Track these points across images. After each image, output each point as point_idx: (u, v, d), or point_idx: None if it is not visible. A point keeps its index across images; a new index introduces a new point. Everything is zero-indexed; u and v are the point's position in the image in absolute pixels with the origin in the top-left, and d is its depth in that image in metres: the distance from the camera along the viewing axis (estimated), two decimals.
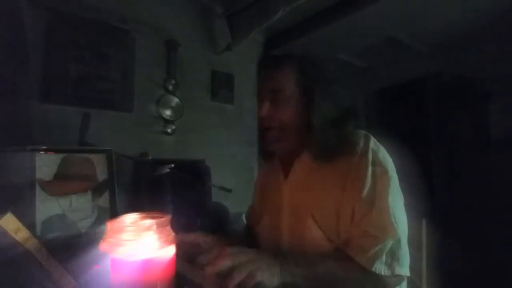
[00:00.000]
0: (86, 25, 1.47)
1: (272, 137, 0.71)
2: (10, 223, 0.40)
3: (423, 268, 0.84)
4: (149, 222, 0.44)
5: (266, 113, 0.69)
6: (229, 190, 1.84)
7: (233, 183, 1.93)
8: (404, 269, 0.60)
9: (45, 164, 0.84)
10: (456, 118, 2.10)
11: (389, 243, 0.59)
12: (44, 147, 0.86)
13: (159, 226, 0.44)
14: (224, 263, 0.49)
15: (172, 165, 1.35)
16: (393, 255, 0.60)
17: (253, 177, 2.25)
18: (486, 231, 1.80)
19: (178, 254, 0.49)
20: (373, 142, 0.67)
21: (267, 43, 2.39)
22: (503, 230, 1.72)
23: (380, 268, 0.58)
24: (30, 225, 0.48)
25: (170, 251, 0.45)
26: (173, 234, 0.46)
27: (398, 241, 0.60)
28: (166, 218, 0.46)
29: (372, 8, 1.71)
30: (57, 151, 0.88)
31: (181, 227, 0.56)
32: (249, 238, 0.90)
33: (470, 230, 1.83)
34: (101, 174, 0.94)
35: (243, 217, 1.91)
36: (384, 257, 0.59)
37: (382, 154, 0.66)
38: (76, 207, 0.86)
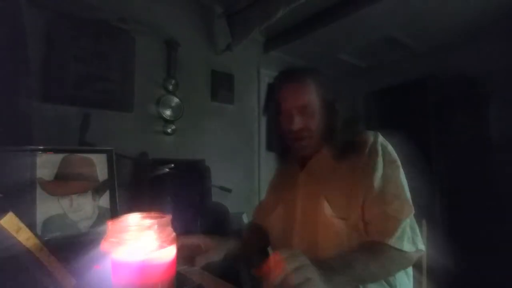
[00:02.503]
0: (86, 25, 1.47)
1: (303, 144, 0.80)
2: (12, 223, 0.40)
3: (423, 268, 0.84)
4: (150, 222, 0.44)
5: (299, 126, 0.78)
6: (229, 190, 1.84)
7: (233, 183, 1.93)
8: (421, 244, 0.68)
9: (46, 164, 0.84)
10: (456, 119, 2.10)
11: (408, 220, 0.67)
12: (44, 147, 0.85)
13: (160, 226, 0.44)
14: (282, 273, 0.48)
15: (172, 165, 1.36)
16: (413, 231, 0.68)
17: (253, 177, 2.29)
18: (486, 231, 1.80)
19: (178, 256, 0.49)
20: (382, 138, 0.77)
21: (267, 43, 2.39)
22: (503, 230, 1.73)
23: (409, 246, 0.65)
24: (30, 225, 0.48)
25: (171, 251, 0.45)
26: (173, 234, 0.46)
27: (413, 217, 0.69)
28: (167, 218, 0.46)
29: (372, 8, 1.72)
30: (57, 151, 0.88)
31: (181, 227, 0.56)
32: (253, 236, 0.93)
33: (470, 230, 1.83)
34: (102, 174, 0.94)
35: (243, 217, 1.92)
36: (408, 234, 0.66)
37: (390, 148, 0.76)
38: (76, 207, 0.86)
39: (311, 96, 0.79)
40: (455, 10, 1.88)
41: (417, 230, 0.69)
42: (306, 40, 2.14)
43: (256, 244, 0.91)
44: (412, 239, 0.67)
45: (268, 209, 0.94)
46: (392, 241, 0.64)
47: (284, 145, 0.86)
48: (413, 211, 0.69)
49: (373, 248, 0.66)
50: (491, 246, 1.75)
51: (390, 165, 0.73)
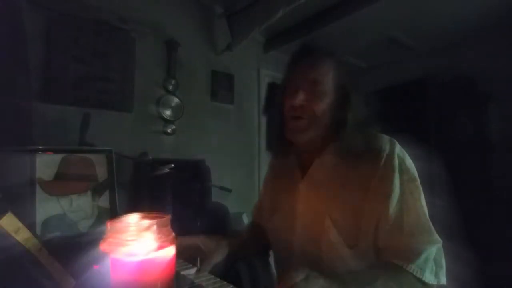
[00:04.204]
0: (86, 25, 1.47)
1: (300, 125, 0.68)
2: (11, 223, 0.40)
3: None
4: (149, 222, 0.44)
5: (301, 102, 0.67)
6: (229, 190, 1.84)
7: (233, 183, 1.93)
8: (444, 277, 0.60)
9: (45, 164, 0.84)
10: (456, 119, 2.10)
11: (434, 250, 0.59)
12: (44, 147, 0.86)
13: (159, 226, 0.44)
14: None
15: (172, 165, 1.36)
16: (438, 263, 0.59)
17: (253, 177, 2.28)
18: (486, 232, 1.80)
19: (179, 258, 0.48)
20: (398, 148, 0.66)
21: (267, 43, 2.39)
22: (504, 231, 1.72)
23: (430, 277, 0.57)
24: (30, 225, 0.49)
25: (170, 251, 0.45)
26: (173, 234, 0.46)
27: (441, 249, 0.61)
28: (166, 218, 0.46)
29: (372, 8, 1.71)
30: (57, 151, 0.88)
31: (181, 227, 0.56)
32: (254, 236, 0.89)
33: (469, 231, 1.83)
34: (101, 174, 0.94)
35: (243, 217, 1.92)
36: (431, 265, 0.58)
37: (408, 161, 0.65)
38: (76, 207, 0.86)
39: (326, 75, 0.67)
40: (455, 10, 1.88)
41: (443, 263, 0.60)
42: (306, 40, 2.14)
43: (256, 244, 0.89)
44: (435, 271, 0.59)
45: (265, 213, 0.87)
46: (413, 268, 0.56)
47: (283, 135, 0.74)
48: (440, 242, 0.60)
49: (394, 270, 0.58)
50: (491, 247, 1.74)
51: (408, 184, 0.62)
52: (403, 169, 0.63)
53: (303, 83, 0.68)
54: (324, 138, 0.70)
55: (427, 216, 0.62)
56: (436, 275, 0.58)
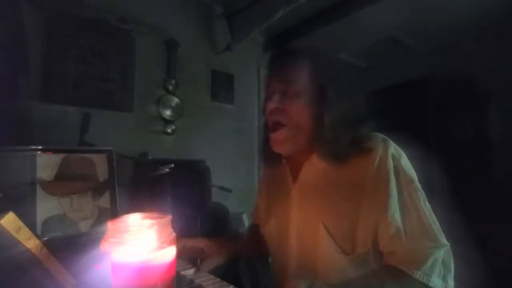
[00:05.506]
0: (86, 25, 1.47)
1: (280, 135, 0.66)
2: (12, 223, 0.40)
3: None
4: (150, 222, 0.44)
5: (275, 105, 0.64)
6: (229, 190, 1.84)
7: (233, 183, 1.93)
8: (451, 280, 0.57)
9: (46, 164, 0.84)
10: (456, 119, 2.10)
11: (441, 254, 0.56)
12: (44, 147, 0.85)
13: (160, 226, 0.44)
14: None
15: (172, 165, 1.35)
16: (446, 267, 0.57)
17: (253, 177, 2.28)
18: (486, 232, 1.80)
19: (182, 259, 0.48)
20: (393, 148, 0.61)
21: (267, 43, 2.39)
22: (504, 231, 1.72)
23: (438, 282, 0.55)
24: (30, 225, 0.48)
25: (171, 251, 0.45)
26: (173, 234, 0.46)
27: (449, 251, 0.58)
28: (167, 218, 0.46)
29: (372, 8, 1.71)
30: (57, 151, 0.88)
31: (181, 227, 0.56)
32: (255, 239, 0.88)
33: (469, 231, 1.83)
34: (102, 174, 0.94)
35: (243, 217, 1.92)
36: (439, 270, 0.55)
37: (405, 161, 0.61)
38: (76, 207, 0.86)
39: (298, 73, 0.65)
40: (455, 10, 1.88)
41: (451, 266, 0.57)
42: (306, 40, 2.14)
43: (257, 246, 0.87)
44: (443, 275, 0.55)
45: (262, 216, 0.85)
46: (418, 274, 0.54)
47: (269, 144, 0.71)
48: (447, 245, 0.57)
49: (399, 276, 0.55)
50: (491, 247, 1.75)
51: (406, 187, 0.58)
52: (399, 171, 0.59)
53: (277, 85, 0.66)
54: (310, 141, 0.66)
55: (431, 218, 0.58)
56: (444, 279, 0.56)
